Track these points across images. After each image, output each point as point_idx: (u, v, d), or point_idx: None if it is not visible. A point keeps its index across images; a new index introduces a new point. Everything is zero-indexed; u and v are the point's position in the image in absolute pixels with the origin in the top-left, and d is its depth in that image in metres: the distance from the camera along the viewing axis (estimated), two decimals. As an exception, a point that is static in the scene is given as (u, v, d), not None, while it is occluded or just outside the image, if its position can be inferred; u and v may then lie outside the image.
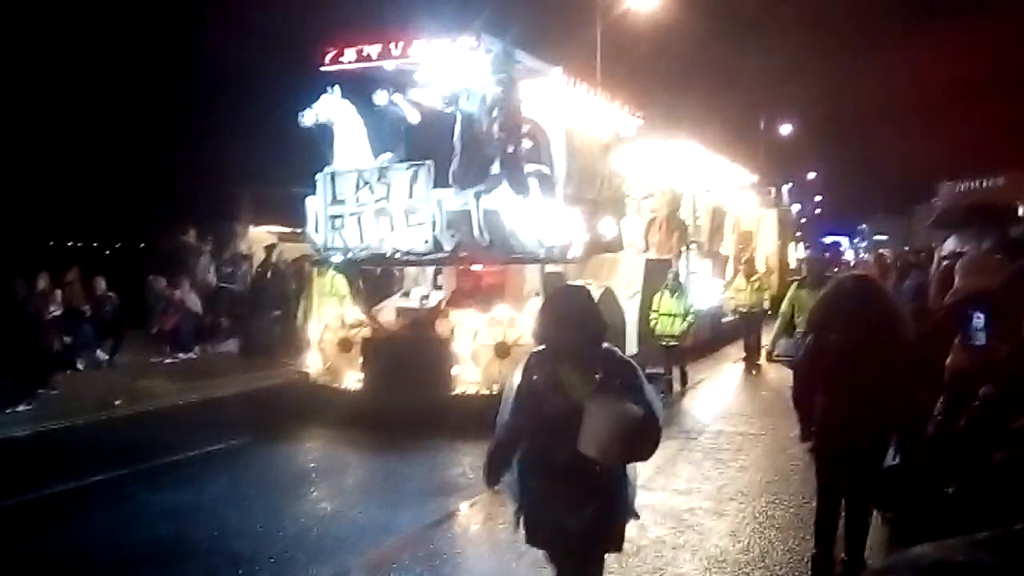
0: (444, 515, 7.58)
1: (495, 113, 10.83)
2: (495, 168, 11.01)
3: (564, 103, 12.60)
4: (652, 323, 13.15)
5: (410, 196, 11.19)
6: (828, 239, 62.41)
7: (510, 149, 11.12)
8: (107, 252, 32.42)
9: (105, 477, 8.64)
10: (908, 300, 8.04)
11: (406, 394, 10.79)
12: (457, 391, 10.78)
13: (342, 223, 11.68)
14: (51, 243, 28.76)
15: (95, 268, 17.30)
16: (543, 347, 3.92)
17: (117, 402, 12.25)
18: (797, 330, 9.28)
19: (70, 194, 28.80)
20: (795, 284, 10.77)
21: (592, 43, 24.45)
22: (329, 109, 11.97)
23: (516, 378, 3.94)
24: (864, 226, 65.85)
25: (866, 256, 33.43)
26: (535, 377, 3.87)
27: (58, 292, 14.34)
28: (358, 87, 11.99)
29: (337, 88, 11.93)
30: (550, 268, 11.82)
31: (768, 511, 7.49)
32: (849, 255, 52.58)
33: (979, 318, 3.53)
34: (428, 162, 11.21)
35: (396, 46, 11.39)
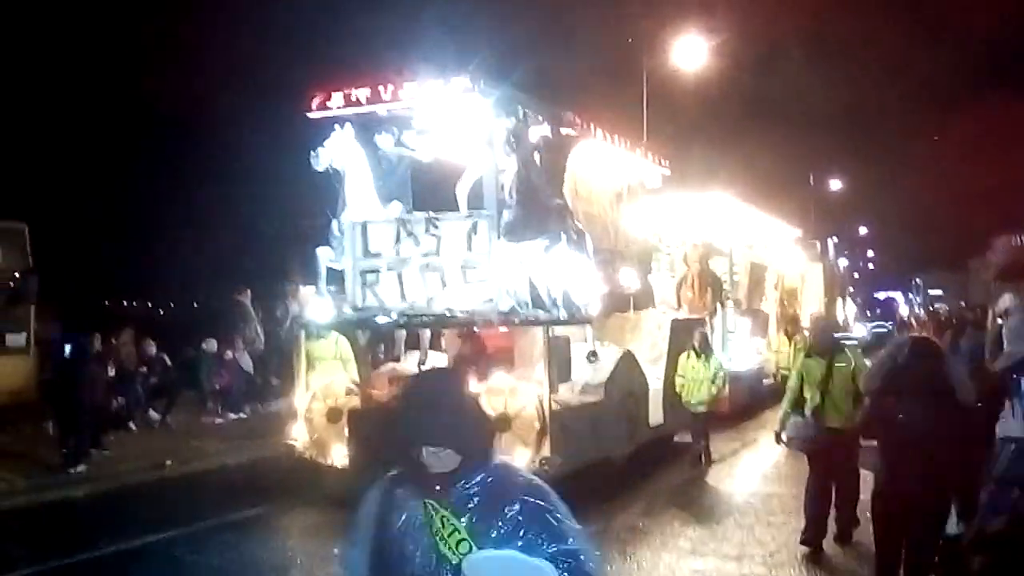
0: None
1: (538, 161, 10.24)
2: (552, 221, 10.30)
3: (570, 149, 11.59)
4: (679, 388, 12.11)
5: (469, 250, 10.14)
6: (882, 295, 61.54)
7: (557, 201, 10.50)
8: (160, 312, 33.08)
9: (155, 538, 8.68)
10: (965, 361, 7.88)
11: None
12: None
13: (377, 279, 10.44)
14: (105, 302, 29.43)
15: (148, 328, 17.63)
16: (399, 471, 2.67)
17: (168, 463, 12.35)
18: (808, 405, 8.02)
19: (125, 255, 29.49)
20: (803, 353, 9.02)
21: (635, 97, 24.50)
22: (341, 150, 10.71)
23: (362, 517, 2.72)
24: (919, 281, 64.77)
25: (919, 311, 32.78)
26: (391, 519, 2.60)
27: (112, 353, 14.57)
28: (361, 131, 10.87)
29: (349, 126, 10.68)
30: (558, 330, 10.44)
31: (825, 577, 7.31)
32: (904, 310, 51.68)
33: (1027, 384, 3.45)
34: (489, 212, 10.19)
35: (386, 89, 10.42)
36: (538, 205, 10.12)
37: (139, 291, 35.42)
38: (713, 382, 11.89)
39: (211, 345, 16.88)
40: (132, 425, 14.72)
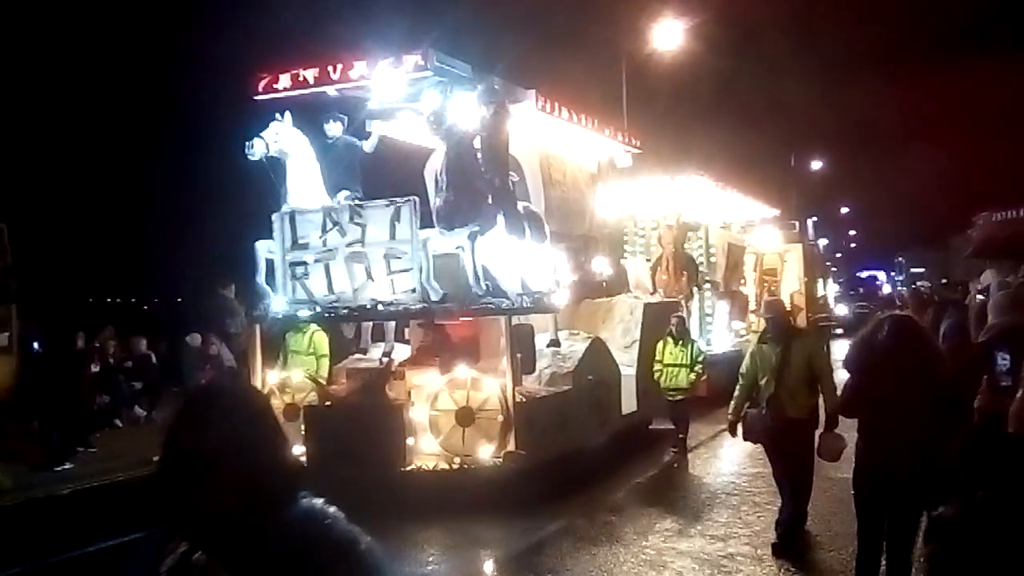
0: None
1: (477, 142, 9.89)
2: (487, 206, 9.90)
3: (537, 129, 11.45)
4: (656, 375, 11.73)
5: (392, 238, 9.75)
6: (864, 274, 61.84)
7: (497, 183, 10.07)
8: (145, 307, 32.94)
9: (143, 535, 8.63)
10: (948, 338, 7.91)
11: (351, 469, 8.64)
12: (412, 466, 9.27)
13: (305, 271, 10.14)
14: (89, 300, 29.28)
15: (133, 324, 17.56)
16: (170, 519, 2.03)
17: (155, 459, 12.26)
18: (762, 392, 7.51)
19: (108, 252, 29.32)
20: (757, 338, 8.32)
21: (614, 79, 24.43)
22: (280, 139, 10.28)
23: None
24: (901, 259, 65.07)
25: (902, 289, 32.90)
26: None
27: (96, 350, 14.53)
28: (309, 117, 10.65)
29: (288, 115, 10.32)
30: (520, 317, 10.06)
31: (809, 555, 7.38)
32: (887, 289, 51.93)
33: (1004, 359, 3.47)
34: (412, 198, 9.88)
35: (335, 69, 10.04)
36: (470, 189, 9.78)
37: (123, 287, 35.28)
38: (692, 369, 11.57)
39: (194, 340, 16.81)
40: (118, 422, 14.67)
